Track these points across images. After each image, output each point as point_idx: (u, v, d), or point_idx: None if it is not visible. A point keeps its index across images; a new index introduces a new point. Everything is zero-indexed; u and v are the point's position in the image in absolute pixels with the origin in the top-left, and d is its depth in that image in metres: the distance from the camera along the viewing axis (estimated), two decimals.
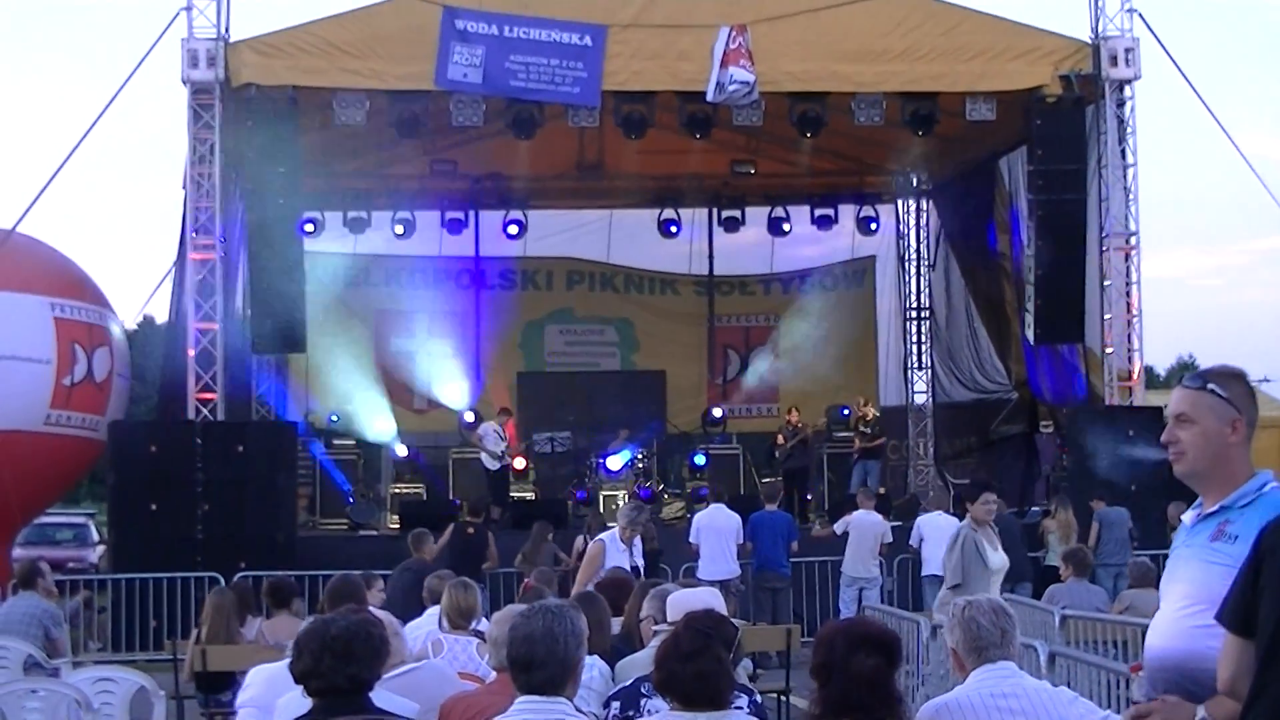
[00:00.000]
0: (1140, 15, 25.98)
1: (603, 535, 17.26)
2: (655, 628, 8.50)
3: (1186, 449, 5.22)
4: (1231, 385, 5.22)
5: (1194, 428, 5.20)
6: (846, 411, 31.63)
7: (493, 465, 28.65)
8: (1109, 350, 26.06)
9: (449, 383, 34.88)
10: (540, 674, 5.97)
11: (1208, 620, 4.94)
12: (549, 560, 21.55)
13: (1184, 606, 5.15)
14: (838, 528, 23.17)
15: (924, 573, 22.61)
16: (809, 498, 30.10)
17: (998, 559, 14.25)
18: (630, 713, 6.92)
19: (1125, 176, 26.09)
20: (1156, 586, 15.21)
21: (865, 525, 22.87)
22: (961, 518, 24.59)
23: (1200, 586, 5.09)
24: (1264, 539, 4.70)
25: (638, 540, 16.90)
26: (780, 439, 30.69)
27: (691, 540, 21.79)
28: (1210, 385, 5.21)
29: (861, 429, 29.94)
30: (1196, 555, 5.18)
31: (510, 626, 6.13)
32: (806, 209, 34.56)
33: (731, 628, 7.04)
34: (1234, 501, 5.12)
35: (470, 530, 22.25)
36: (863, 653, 5.93)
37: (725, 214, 34.86)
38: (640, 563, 16.63)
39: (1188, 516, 5.32)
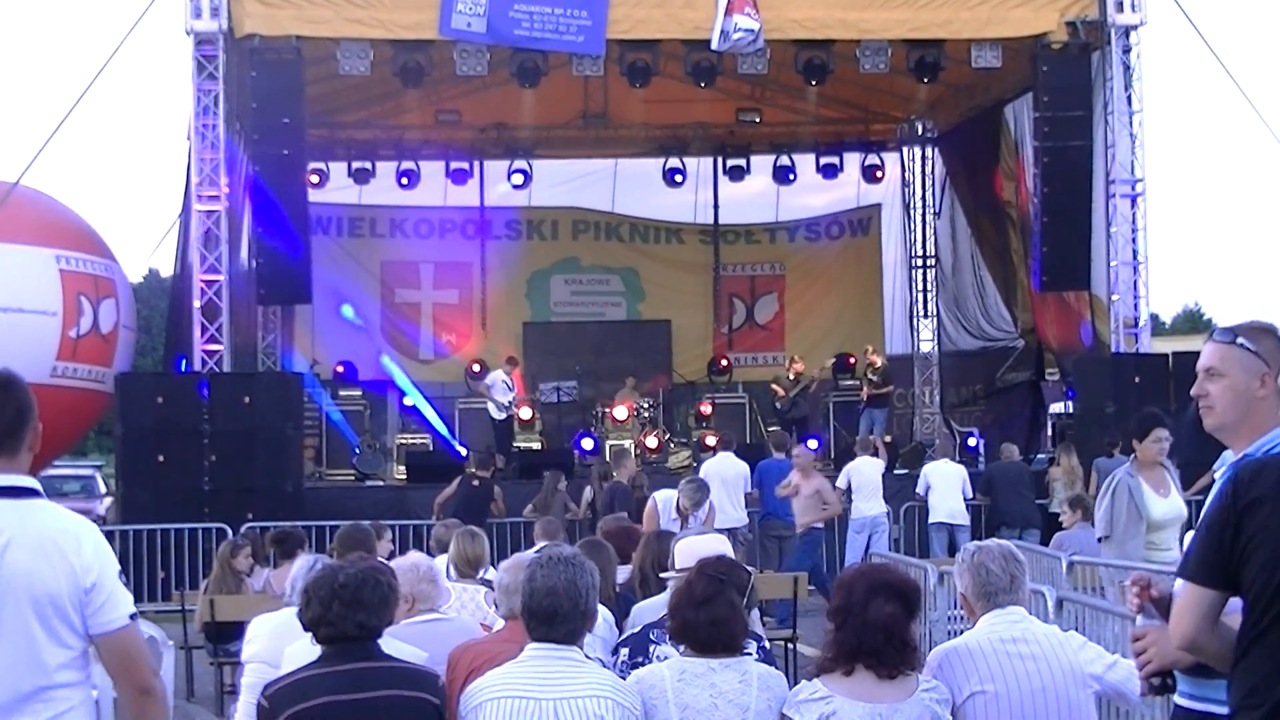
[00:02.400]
0: None
1: (657, 494, 17.03)
2: (664, 575, 8.49)
3: (1215, 403, 5.24)
4: (1262, 340, 5.22)
5: (1223, 381, 5.21)
6: (852, 360, 31.60)
7: (499, 415, 28.64)
8: (1115, 297, 26.00)
9: (455, 333, 34.93)
10: (564, 627, 6.00)
11: None
12: (560, 510, 21.63)
13: None
14: (840, 483, 23.09)
15: (930, 520, 22.64)
16: (815, 448, 29.97)
17: (1164, 508, 11.79)
18: (639, 659, 6.93)
19: (1131, 123, 26.01)
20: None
21: (863, 468, 22.84)
22: (970, 466, 24.72)
23: None
24: (1238, 493, 4.82)
25: (700, 513, 16.67)
26: (779, 389, 30.57)
27: None
28: (1240, 340, 5.22)
29: (870, 377, 29.86)
30: None
31: (529, 577, 6.13)
32: (812, 157, 34.56)
33: (744, 572, 7.05)
34: (1255, 451, 5.12)
35: (476, 482, 22.32)
36: (881, 599, 5.96)
37: (730, 163, 34.87)
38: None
39: (1219, 472, 5.33)
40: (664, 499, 16.99)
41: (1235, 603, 5.21)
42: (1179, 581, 4.86)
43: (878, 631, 5.91)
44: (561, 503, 22.29)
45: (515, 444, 28.88)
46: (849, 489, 22.70)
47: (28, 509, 5.40)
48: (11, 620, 5.16)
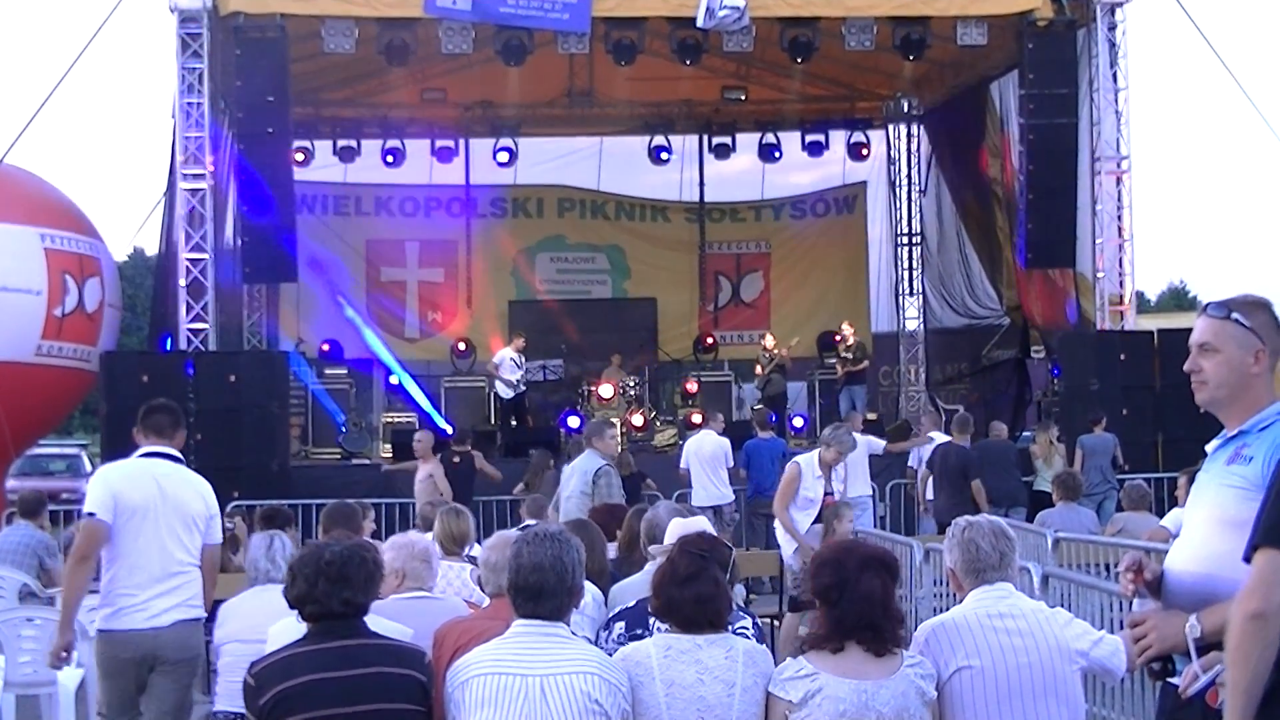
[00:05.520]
0: None
1: (799, 458, 16.75)
2: (652, 548, 8.50)
3: (1209, 378, 5.21)
4: (1255, 314, 5.19)
5: (1217, 356, 5.18)
6: (837, 337, 31.60)
7: (508, 394, 28.50)
8: (1100, 275, 26.03)
9: (440, 311, 34.94)
10: (550, 603, 6.00)
11: (1223, 546, 4.95)
12: (550, 488, 21.64)
13: (1201, 531, 5.16)
14: None
15: (928, 497, 22.30)
16: (801, 426, 29.95)
17: None
18: (639, 630, 6.93)
19: (1117, 100, 26.01)
20: (1150, 510, 15.29)
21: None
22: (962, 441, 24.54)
23: (1216, 509, 5.10)
24: None
25: (841, 466, 16.41)
26: (759, 368, 30.57)
27: (682, 467, 21.77)
28: (1234, 314, 5.18)
29: (844, 354, 29.85)
30: (1214, 479, 5.19)
31: (515, 554, 6.13)
32: (797, 135, 34.57)
33: (726, 549, 7.06)
34: (1252, 426, 5.11)
35: (457, 459, 22.26)
36: (871, 572, 5.98)
37: (716, 141, 34.87)
38: (839, 489, 16.25)
39: (1211, 445, 5.32)
40: (806, 461, 16.56)
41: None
42: (1261, 550, 4.63)
43: (874, 605, 5.94)
44: (552, 481, 22.30)
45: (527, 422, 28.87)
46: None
47: (177, 467, 9.71)
48: (171, 525, 9.37)
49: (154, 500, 9.37)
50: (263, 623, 7.68)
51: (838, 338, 31.04)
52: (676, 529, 7.81)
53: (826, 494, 15.76)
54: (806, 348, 32.16)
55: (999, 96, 29.68)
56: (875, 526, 21.81)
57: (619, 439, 19.09)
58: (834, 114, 34.58)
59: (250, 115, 24.67)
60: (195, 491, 9.68)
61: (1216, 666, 4.81)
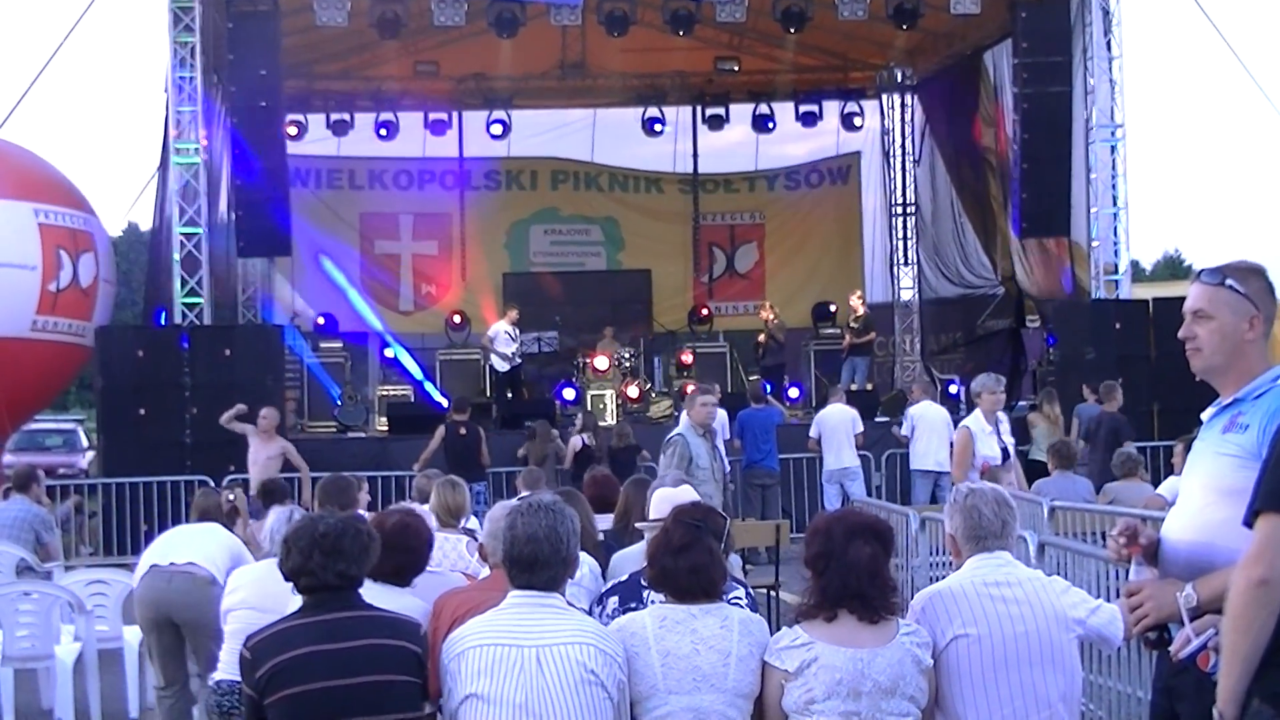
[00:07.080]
0: None
1: (967, 421, 16.42)
2: (639, 524, 8.49)
3: (1203, 345, 5.19)
4: (1250, 281, 5.18)
5: (1211, 323, 5.17)
6: (833, 308, 31.56)
7: (503, 367, 28.47)
8: (1095, 243, 26.04)
9: (435, 284, 34.92)
10: (545, 573, 5.98)
11: (1218, 514, 4.94)
12: (552, 460, 21.71)
13: (1197, 499, 5.15)
14: (812, 433, 23.09)
15: (916, 467, 22.22)
16: (797, 396, 29.92)
17: None
18: (633, 604, 6.91)
19: (1111, 68, 25.98)
20: (1142, 477, 15.27)
21: (832, 419, 22.81)
22: (951, 413, 24.57)
23: (1212, 477, 5.09)
24: None
25: (1002, 416, 16.11)
26: (761, 336, 30.59)
27: None
28: (1229, 281, 5.17)
29: (851, 325, 29.81)
30: (1209, 448, 5.18)
31: (509, 525, 6.12)
32: (791, 106, 34.50)
33: (720, 518, 7.05)
34: (1248, 393, 5.10)
35: (463, 431, 22.26)
36: (860, 541, 5.97)
37: (709, 112, 34.89)
38: (1010, 442, 15.99)
39: (1206, 413, 5.31)
40: (974, 421, 16.08)
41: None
42: (1264, 515, 4.58)
43: (861, 573, 5.93)
44: (554, 452, 22.36)
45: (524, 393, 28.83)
46: (820, 439, 22.75)
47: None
48: (179, 538, 11.37)
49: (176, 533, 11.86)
50: (274, 591, 7.60)
51: (833, 308, 31.05)
52: (661, 500, 7.80)
53: (1003, 449, 15.53)
54: (801, 319, 32.18)
55: (993, 65, 29.68)
56: (869, 495, 21.83)
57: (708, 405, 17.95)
58: (827, 84, 34.53)
59: (243, 89, 24.65)
60: (213, 537, 11.55)
61: (1209, 630, 4.80)
